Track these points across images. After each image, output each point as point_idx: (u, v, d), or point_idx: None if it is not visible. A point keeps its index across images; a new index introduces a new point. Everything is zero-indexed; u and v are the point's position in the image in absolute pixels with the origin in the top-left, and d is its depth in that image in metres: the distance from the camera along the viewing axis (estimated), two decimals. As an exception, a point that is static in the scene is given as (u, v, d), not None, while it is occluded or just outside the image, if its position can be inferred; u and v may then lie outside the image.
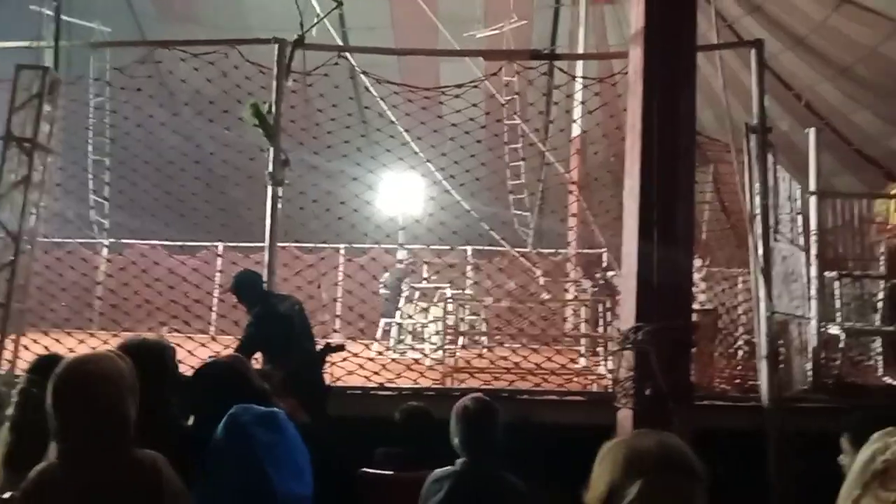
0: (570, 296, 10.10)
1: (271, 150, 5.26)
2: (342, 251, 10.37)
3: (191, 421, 2.30)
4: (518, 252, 9.86)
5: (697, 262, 8.52)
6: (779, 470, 4.65)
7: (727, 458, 4.45)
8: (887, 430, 1.38)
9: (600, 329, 8.05)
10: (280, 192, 5.26)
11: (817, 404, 5.19)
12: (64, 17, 6.06)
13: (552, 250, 10.65)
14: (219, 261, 10.95)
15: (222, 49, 5.50)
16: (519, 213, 11.22)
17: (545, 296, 10.15)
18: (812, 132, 6.29)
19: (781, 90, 13.18)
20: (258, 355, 4.41)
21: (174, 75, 6.10)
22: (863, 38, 11.54)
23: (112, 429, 1.72)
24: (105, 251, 11.90)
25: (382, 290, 9.53)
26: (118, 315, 7.92)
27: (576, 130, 8.62)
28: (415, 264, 10.05)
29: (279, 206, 5.25)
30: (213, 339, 6.24)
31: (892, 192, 11.70)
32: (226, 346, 5.68)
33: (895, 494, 1.29)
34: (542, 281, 10.29)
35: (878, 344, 7.20)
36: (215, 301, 9.21)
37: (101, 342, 5.41)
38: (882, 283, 7.61)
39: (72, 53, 6.33)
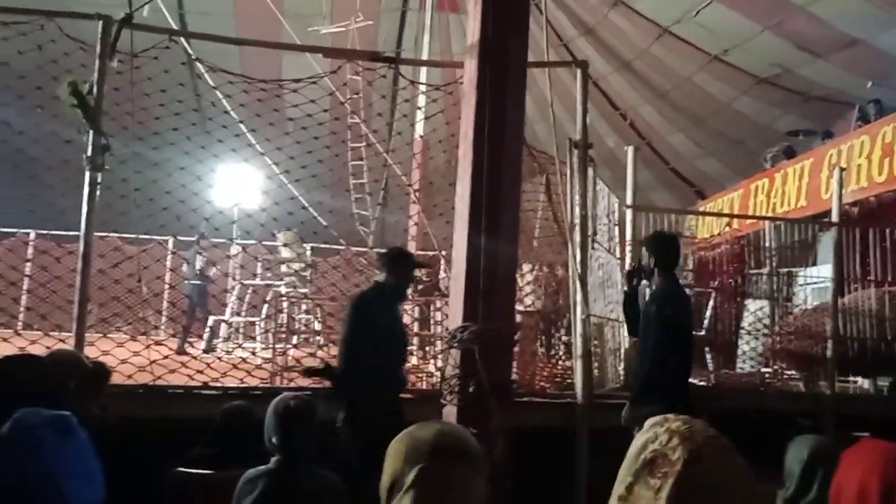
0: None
1: (90, 133, 4.90)
2: (170, 244, 9.89)
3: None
4: (356, 251, 9.87)
5: (527, 267, 8.96)
6: (587, 463, 4.98)
7: (544, 452, 4.73)
8: (656, 419, 1.43)
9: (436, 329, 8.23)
10: (99, 178, 4.91)
11: (626, 401, 5.61)
12: None
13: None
14: (29, 249, 10.06)
15: (38, 20, 5.04)
16: (359, 212, 11.22)
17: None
18: (630, 150, 6.72)
19: (609, 109, 14.15)
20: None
21: (-22, 43, 5.50)
22: (679, 68, 12.63)
23: None
24: None
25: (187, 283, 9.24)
26: None
27: (416, 135, 8.78)
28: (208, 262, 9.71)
29: (97, 193, 4.90)
30: (18, 334, 5.69)
31: (701, 209, 12.90)
32: (32, 341, 5.21)
33: (660, 482, 1.36)
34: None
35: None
36: (24, 292, 8.46)
37: None
38: (687, 291, 8.38)
39: None
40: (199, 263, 9.24)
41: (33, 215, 7.84)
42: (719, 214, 10.86)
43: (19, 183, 6.67)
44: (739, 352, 7.81)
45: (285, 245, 8.64)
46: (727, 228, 8.76)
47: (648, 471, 1.37)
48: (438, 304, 7.67)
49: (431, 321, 8.12)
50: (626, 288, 5.08)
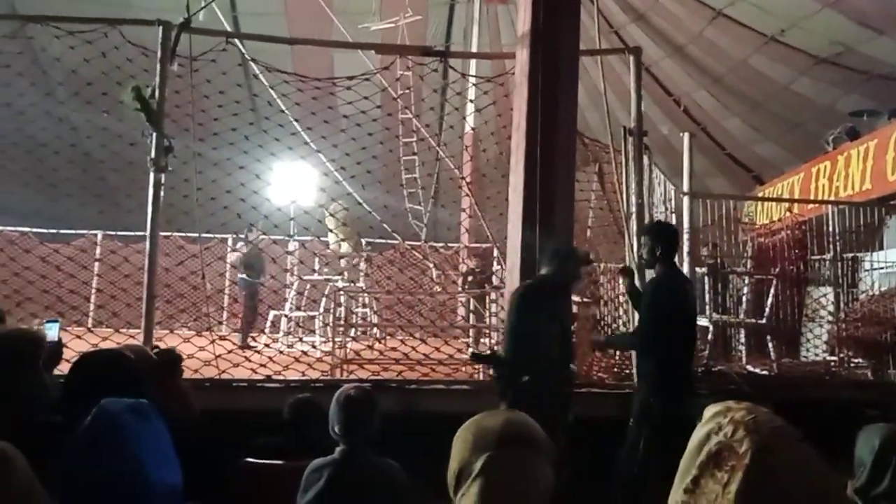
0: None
1: (153, 135, 5.07)
2: (230, 242, 10.17)
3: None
4: (410, 245, 9.96)
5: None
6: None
7: (603, 442, 4.70)
8: (718, 409, 1.38)
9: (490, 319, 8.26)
10: (162, 179, 5.09)
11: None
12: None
13: (442, 244, 10.82)
14: (97, 249, 10.47)
15: (101, 28, 5.22)
16: (412, 206, 11.29)
17: (437, 288, 10.33)
18: (686, 137, 6.62)
19: (662, 95, 13.87)
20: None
21: (47, 53, 5.73)
22: (734, 51, 12.29)
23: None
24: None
25: (240, 277, 9.38)
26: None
27: (467, 127, 8.80)
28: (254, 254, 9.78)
29: (161, 193, 5.08)
30: (90, 330, 5.94)
31: (759, 194, 12.57)
32: (104, 338, 5.43)
33: (728, 475, 1.32)
34: (434, 273, 10.44)
35: (742, 335, 7.74)
36: (93, 291, 8.81)
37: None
38: (747, 279, 8.21)
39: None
40: (238, 254, 9.37)
41: (100, 216, 8.15)
42: (779, 200, 10.58)
43: (88, 185, 6.93)
44: (803, 339, 7.62)
45: (338, 221, 8.70)
46: (787, 214, 8.52)
47: (714, 463, 1.32)
48: (493, 296, 7.69)
49: (486, 313, 8.15)
50: (626, 284, 5.02)
